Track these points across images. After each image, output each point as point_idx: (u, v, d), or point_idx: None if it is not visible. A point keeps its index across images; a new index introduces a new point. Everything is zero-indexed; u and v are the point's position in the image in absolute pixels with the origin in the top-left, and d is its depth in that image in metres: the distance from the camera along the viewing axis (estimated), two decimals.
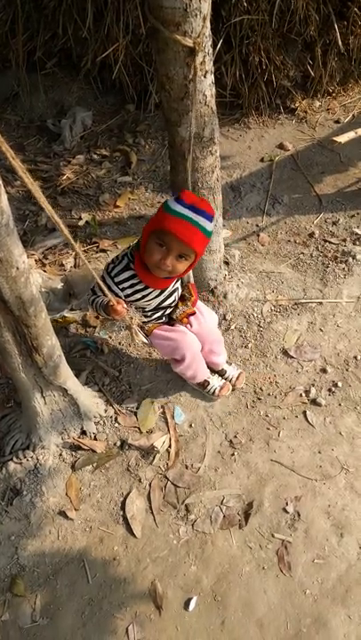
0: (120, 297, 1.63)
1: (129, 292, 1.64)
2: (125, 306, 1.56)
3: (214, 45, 2.61)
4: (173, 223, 1.44)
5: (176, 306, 1.83)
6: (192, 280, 1.91)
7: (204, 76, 1.63)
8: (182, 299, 1.84)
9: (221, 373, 2.04)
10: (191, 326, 1.85)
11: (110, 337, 2.22)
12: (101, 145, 3.22)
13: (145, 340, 1.81)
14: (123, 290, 1.63)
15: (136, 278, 1.62)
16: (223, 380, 2.01)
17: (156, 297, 1.71)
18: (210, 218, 1.49)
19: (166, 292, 1.73)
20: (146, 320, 1.80)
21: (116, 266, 1.64)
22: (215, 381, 1.98)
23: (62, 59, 3.31)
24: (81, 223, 2.74)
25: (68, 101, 3.36)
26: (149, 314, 1.79)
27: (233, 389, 2.03)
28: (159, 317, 1.84)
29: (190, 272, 1.86)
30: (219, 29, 2.85)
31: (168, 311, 1.83)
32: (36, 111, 3.38)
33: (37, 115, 3.38)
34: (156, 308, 1.78)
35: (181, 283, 1.85)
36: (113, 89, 3.36)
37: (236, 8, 2.79)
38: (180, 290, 1.82)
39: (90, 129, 3.30)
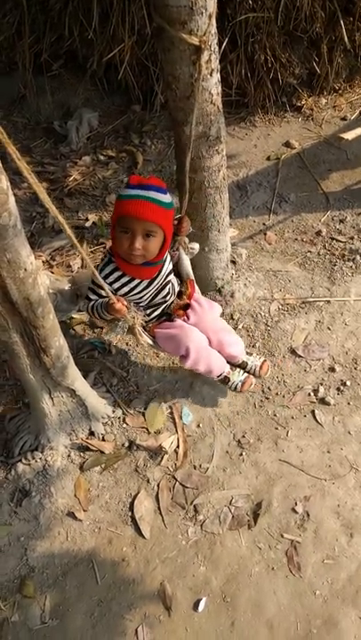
0: (113, 293, 1.63)
1: (117, 285, 1.65)
2: (125, 302, 1.57)
3: (220, 44, 2.60)
4: (126, 205, 1.47)
5: (173, 301, 1.83)
6: (191, 276, 1.88)
7: (210, 75, 1.63)
8: (179, 295, 1.84)
9: (243, 366, 1.96)
10: (188, 319, 1.84)
11: (118, 338, 2.22)
12: (108, 146, 3.22)
13: (150, 342, 1.81)
14: (111, 284, 1.64)
15: (119, 271, 1.63)
16: (245, 374, 1.93)
17: (146, 289, 1.70)
18: (160, 190, 1.50)
19: (156, 285, 1.71)
20: (147, 320, 1.80)
21: (100, 264, 1.67)
22: (236, 376, 1.91)
23: (68, 60, 3.32)
24: (88, 224, 2.74)
25: (74, 103, 3.37)
26: (148, 312, 1.79)
27: (258, 379, 1.96)
28: (159, 316, 1.83)
29: (189, 268, 1.86)
30: (224, 28, 2.84)
31: (165, 307, 1.82)
32: (43, 113, 3.39)
33: (44, 116, 3.39)
34: (152, 304, 1.77)
35: (180, 280, 1.85)
36: (119, 90, 3.36)
37: (242, 6, 2.78)
38: (174, 285, 1.81)
39: (96, 130, 3.31)
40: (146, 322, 1.82)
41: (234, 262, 2.46)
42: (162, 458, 1.85)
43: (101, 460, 1.85)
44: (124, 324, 1.72)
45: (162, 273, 1.70)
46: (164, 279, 1.73)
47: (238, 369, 1.95)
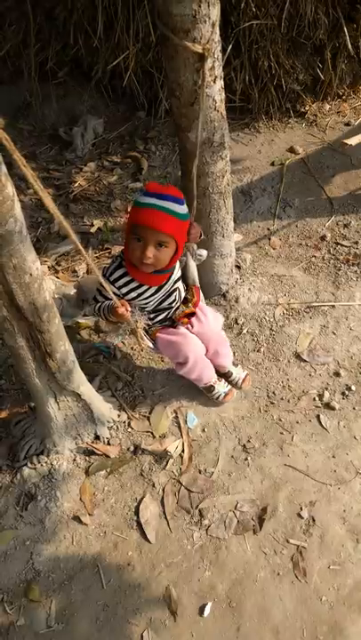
0: (119, 296, 1.64)
1: (125, 290, 1.66)
2: (129, 308, 1.58)
3: (223, 51, 2.62)
4: (142, 214, 1.48)
5: (178, 307, 1.83)
6: (197, 283, 1.90)
7: (214, 82, 1.65)
8: (185, 301, 1.85)
9: (228, 376, 2.03)
10: (192, 327, 1.85)
11: (123, 343, 2.23)
12: (113, 152, 3.25)
13: (151, 345, 1.82)
14: (119, 289, 1.65)
15: (128, 276, 1.64)
16: (229, 386, 2.00)
17: (153, 295, 1.71)
18: (177, 200, 1.50)
19: (164, 291, 1.72)
20: (150, 324, 1.81)
21: (110, 267, 1.67)
22: (221, 387, 1.97)
23: (74, 68, 3.35)
24: (93, 230, 2.76)
25: (79, 110, 3.40)
26: (152, 316, 1.79)
27: (239, 390, 2.02)
28: (162, 320, 1.84)
29: (195, 274, 1.87)
30: (228, 35, 2.86)
31: (170, 313, 1.83)
32: (48, 120, 3.42)
33: (49, 123, 3.42)
34: (158, 309, 1.78)
35: (186, 286, 1.86)
36: (124, 97, 3.39)
37: (245, 13, 2.81)
38: (181, 291, 1.82)
39: (101, 136, 3.34)
40: (149, 326, 1.82)
41: (238, 267, 2.46)
42: (167, 462, 1.85)
43: (107, 464, 1.85)
44: (126, 327, 1.73)
45: (170, 280, 1.71)
46: (172, 286, 1.74)
47: (223, 380, 2.01)
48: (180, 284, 1.79)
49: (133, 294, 1.67)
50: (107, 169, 3.15)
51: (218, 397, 1.97)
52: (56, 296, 2.36)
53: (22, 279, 1.28)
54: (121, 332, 1.95)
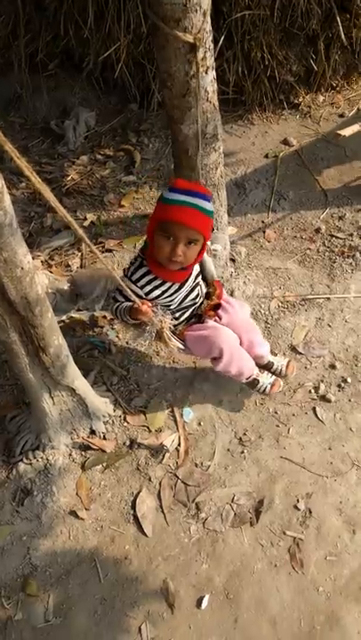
0: (141, 296, 1.62)
1: (148, 288, 1.64)
2: (150, 305, 1.56)
3: (216, 42, 2.60)
4: (174, 212, 1.46)
5: (202, 303, 1.81)
6: (216, 277, 1.86)
7: (206, 72, 1.63)
8: (207, 296, 1.82)
9: (269, 367, 1.95)
10: (220, 319, 1.81)
11: (118, 337, 2.22)
12: (105, 145, 3.22)
13: (180, 346, 1.77)
14: (142, 288, 1.63)
15: (151, 274, 1.62)
16: (273, 377, 1.92)
17: (177, 292, 1.69)
18: (207, 198, 1.50)
19: (187, 287, 1.71)
20: (176, 323, 1.77)
21: (131, 267, 1.65)
22: (265, 379, 1.89)
23: (64, 59, 3.31)
24: (86, 223, 2.74)
25: (71, 102, 3.37)
26: (178, 315, 1.77)
27: (284, 379, 1.95)
28: (189, 318, 1.81)
29: (213, 269, 1.84)
30: (220, 26, 2.83)
31: (195, 309, 1.80)
32: (40, 113, 3.38)
33: (41, 116, 3.38)
34: (182, 307, 1.76)
35: (206, 282, 1.83)
36: (115, 89, 3.36)
37: (237, 4, 2.77)
38: (202, 286, 1.79)
39: (93, 129, 3.30)
40: (175, 326, 1.78)
41: (233, 260, 2.45)
42: (163, 456, 1.85)
43: (103, 458, 1.85)
44: (152, 329, 1.67)
45: (192, 275, 1.70)
46: (194, 281, 1.73)
47: (265, 371, 1.94)
48: (200, 279, 1.77)
49: (157, 292, 1.65)
50: (99, 162, 3.12)
51: (264, 390, 1.89)
52: (49, 290, 2.34)
53: (13, 273, 1.26)
54: (147, 335, 1.87)
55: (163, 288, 1.65)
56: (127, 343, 2.20)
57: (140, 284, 1.63)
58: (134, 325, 1.77)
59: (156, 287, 1.64)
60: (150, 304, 1.58)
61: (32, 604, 1.59)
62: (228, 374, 1.82)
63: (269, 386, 1.89)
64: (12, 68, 3.28)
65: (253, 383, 1.89)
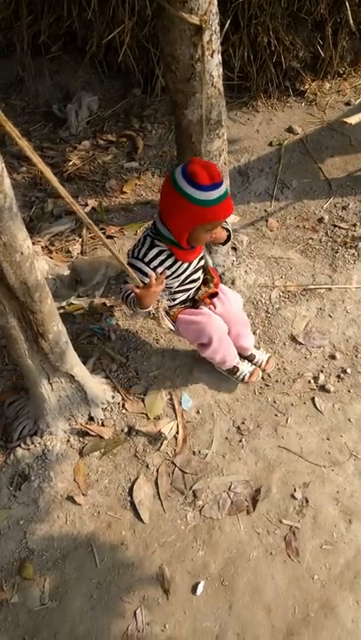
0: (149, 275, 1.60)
1: (160, 269, 1.63)
2: (163, 279, 1.57)
3: (222, 26, 2.54)
4: (221, 211, 1.48)
5: (199, 288, 1.82)
6: (211, 264, 1.89)
7: (211, 56, 1.60)
8: (205, 282, 1.83)
9: (250, 358, 2.01)
10: (215, 308, 1.84)
11: (118, 324, 2.21)
12: (108, 130, 3.18)
13: (171, 327, 1.79)
14: (154, 269, 1.61)
15: (164, 255, 1.61)
16: (253, 366, 1.98)
17: (185, 271, 1.70)
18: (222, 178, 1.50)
19: (193, 265, 1.71)
20: (171, 304, 1.78)
21: (142, 248, 1.63)
22: (245, 367, 1.96)
23: (67, 42, 3.26)
24: (87, 210, 2.72)
25: (73, 86, 3.32)
26: (176, 296, 1.77)
27: (263, 373, 2.00)
28: (184, 301, 1.82)
29: (208, 257, 1.86)
30: (226, 9, 2.78)
31: (192, 292, 1.81)
32: (42, 96, 3.34)
33: (43, 100, 3.34)
34: (181, 289, 1.76)
35: (203, 269, 1.83)
36: (119, 73, 3.31)
37: None
38: (204, 269, 1.81)
39: (96, 114, 3.26)
40: (169, 307, 1.79)
41: (235, 249, 2.44)
42: (161, 443, 1.85)
43: (101, 445, 1.85)
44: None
45: (200, 255, 1.74)
46: (198, 261, 1.74)
47: (246, 360, 1.99)
48: (203, 262, 1.79)
49: (168, 272, 1.65)
50: (101, 147, 3.09)
51: (243, 378, 1.95)
52: (49, 276, 2.33)
53: (13, 257, 1.25)
54: (141, 315, 1.86)
55: (173, 268, 1.66)
56: (127, 330, 2.19)
57: (152, 264, 1.61)
58: (137, 312, 1.76)
59: (168, 267, 1.64)
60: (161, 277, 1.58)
61: (28, 587, 1.60)
62: (212, 361, 1.91)
63: (248, 374, 1.95)
64: (14, 49, 3.23)
65: (233, 371, 1.95)
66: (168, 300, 1.74)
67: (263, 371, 2.00)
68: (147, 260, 1.60)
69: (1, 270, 1.27)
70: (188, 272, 1.71)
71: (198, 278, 1.78)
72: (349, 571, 1.58)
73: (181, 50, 1.54)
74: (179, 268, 1.66)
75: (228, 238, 1.75)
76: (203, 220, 1.49)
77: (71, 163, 2.98)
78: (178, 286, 1.74)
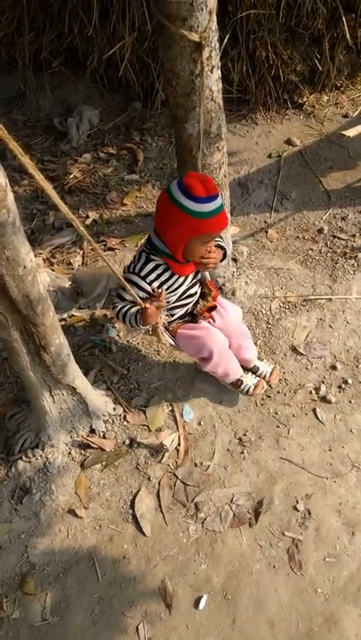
0: (149, 292, 1.62)
1: (157, 284, 1.64)
2: (164, 294, 1.57)
3: (221, 41, 2.59)
4: (217, 224, 1.49)
5: (197, 302, 1.82)
6: (209, 278, 1.89)
7: (211, 71, 1.62)
8: (202, 296, 1.83)
9: (254, 370, 1.98)
10: (214, 321, 1.84)
11: (119, 335, 2.22)
12: (108, 143, 3.21)
13: (171, 342, 1.79)
14: (150, 284, 1.62)
15: (160, 269, 1.62)
16: (257, 378, 1.95)
17: (182, 285, 1.70)
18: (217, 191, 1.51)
19: (190, 279, 1.72)
20: (170, 320, 1.79)
21: (137, 263, 1.64)
22: (249, 380, 1.93)
23: (68, 57, 3.31)
24: (88, 222, 2.74)
25: (74, 100, 3.36)
26: (175, 311, 1.77)
27: (268, 386, 1.98)
28: (182, 316, 1.82)
29: (206, 272, 1.86)
30: (225, 24, 2.82)
31: (190, 306, 1.81)
32: (43, 110, 3.38)
33: (44, 114, 3.38)
34: (178, 304, 1.76)
35: (200, 282, 1.83)
36: (119, 87, 3.35)
37: (243, 2, 2.77)
38: (201, 283, 1.82)
39: (97, 127, 3.30)
40: (168, 322, 1.79)
41: (235, 260, 2.45)
42: (163, 455, 1.85)
43: (102, 457, 1.85)
44: None
45: (196, 268, 1.74)
46: (195, 276, 1.74)
47: (250, 373, 1.97)
48: (199, 276, 1.79)
49: (165, 286, 1.65)
50: (102, 160, 3.12)
51: (247, 391, 1.92)
52: (51, 288, 2.34)
53: (16, 271, 1.26)
54: (141, 331, 1.87)
55: (169, 282, 1.66)
56: (128, 342, 2.20)
57: (148, 279, 1.62)
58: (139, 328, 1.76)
59: (164, 282, 1.65)
60: (161, 294, 1.58)
61: (29, 602, 1.59)
62: (215, 375, 1.88)
63: (253, 387, 1.93)
64: (16, 65, 3.28)
65: (237, 384, 1.93)
66: (167, 315, 1.74)
67: (268, 383, 1.99)
68: (143, 274, 1.61)
69: (4, 284, 1.28)
70: (184, 286, 1.71)
71: (196, 292, 1.79)
72: (353, 583, 1.57)
73: (182, 66, 1.56)
74: (175, 282, 1.67)
75: (224, 257, 1.76)
76: (198, 233, 1.50)
77: (72, 175, 3.00)
78: (175, 301, 1.74)
